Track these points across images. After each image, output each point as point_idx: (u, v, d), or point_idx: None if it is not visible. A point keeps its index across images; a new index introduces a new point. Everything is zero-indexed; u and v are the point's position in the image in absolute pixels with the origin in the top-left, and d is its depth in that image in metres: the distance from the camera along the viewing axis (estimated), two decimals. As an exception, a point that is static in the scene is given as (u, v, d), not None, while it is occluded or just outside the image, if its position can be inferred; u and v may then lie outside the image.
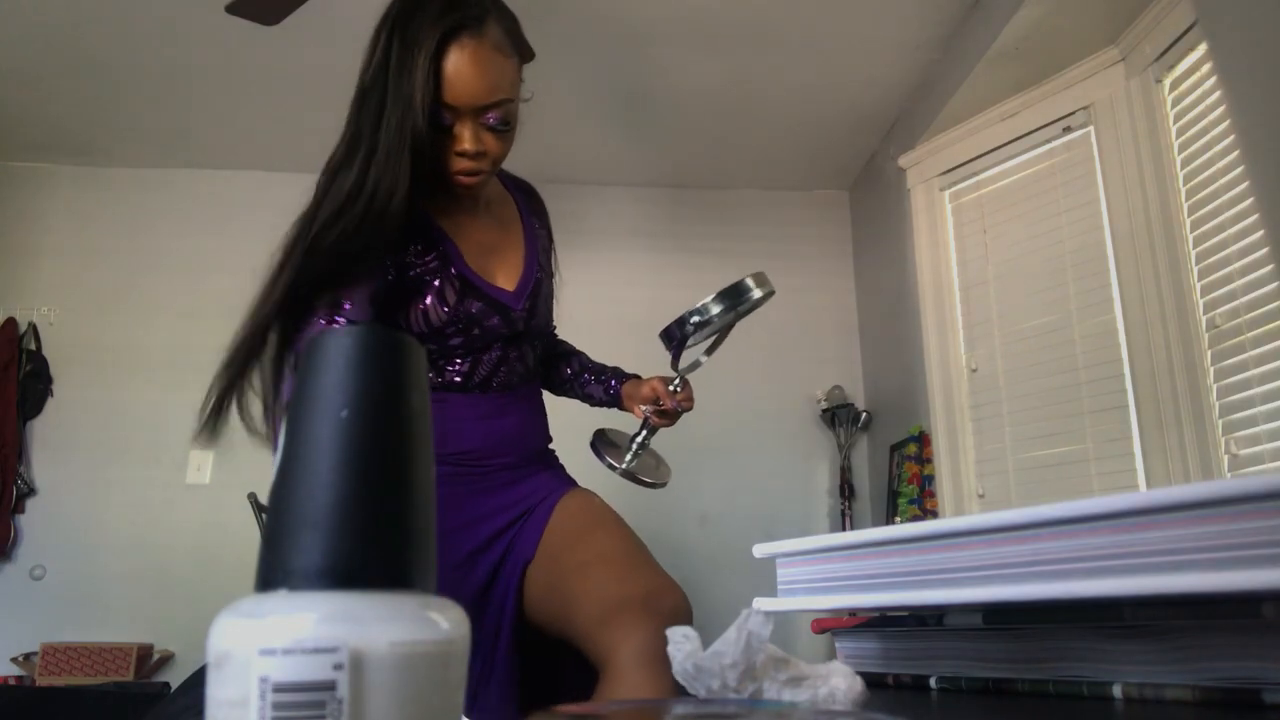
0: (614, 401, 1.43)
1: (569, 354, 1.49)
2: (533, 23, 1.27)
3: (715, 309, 1.21)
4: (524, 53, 1.21)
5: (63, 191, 3.45)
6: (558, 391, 1.49)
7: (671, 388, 1.33)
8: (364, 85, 1.11)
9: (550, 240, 1.40)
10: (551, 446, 1.35)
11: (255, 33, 2.27)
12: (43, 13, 2.61)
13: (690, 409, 1.35)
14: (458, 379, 1.21)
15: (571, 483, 1.30)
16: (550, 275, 1.35)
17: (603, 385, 1.43)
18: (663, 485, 1.37)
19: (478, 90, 1.10)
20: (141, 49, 2.78)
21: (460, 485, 1.18)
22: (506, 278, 1.25)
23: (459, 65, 1.09)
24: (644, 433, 1.34)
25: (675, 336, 1.23)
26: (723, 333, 1.34)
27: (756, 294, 1.23)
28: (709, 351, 1.37)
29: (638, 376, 1.42)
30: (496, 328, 1.21)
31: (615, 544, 1.15)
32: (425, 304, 1.16)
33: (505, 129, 1.15)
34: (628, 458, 1.33)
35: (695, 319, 1.21)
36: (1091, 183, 2.48)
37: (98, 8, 2.59)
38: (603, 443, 1.38)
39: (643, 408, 1.33)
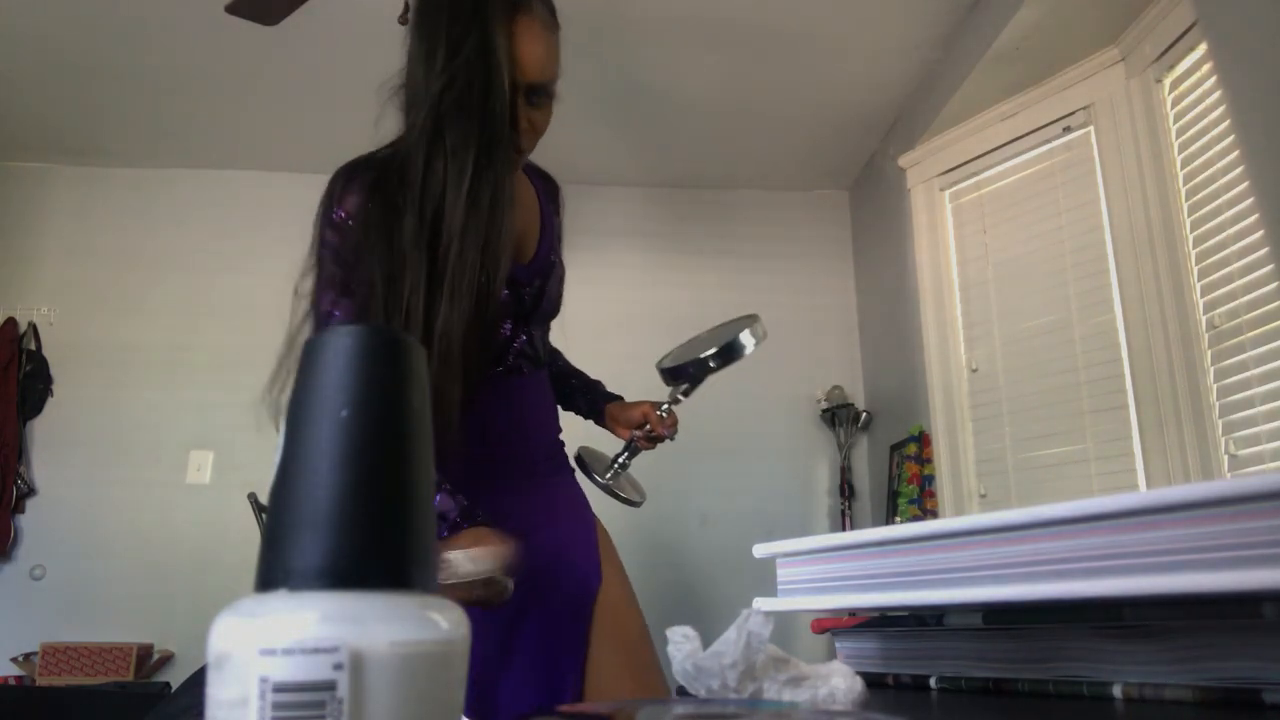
0: (595, 417, 1.44)
1: (552, 350, 1.48)
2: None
3: (715, 364, 1.30)
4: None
5: (63, 191, 3.45)
6: None
7: (660, 413, 1.36)
8: (433, 65, 1.08)
9: (561, 233, 1.39)
10: (561, 438, 1.35)
11: (255, 33, 2.27)
12: (42, 14, 2.61)
13: (674, 438, 1.39)
14: None
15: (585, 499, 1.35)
16: (562, 266, 1.33)
17: (587, 399, 1.45)
18: (639, 504, 1.43)
19: (544, 67, 1.12)
20: (141, 49, 2.79)
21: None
22: (520, 254, 1.23)
23: (528, 43, 1.10)
24: (627, 454, 1.39)
25: (688, 376, 1.31)
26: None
27: (750, 349, 1.30)
28: (687, 393, 1.40)
29: (620, 398, 1.44)
30: (505, 302, 1.18)
31: (639, 637, 1.24)
32: None
33: (549, 102, 1.16)
34: (608, 475, 1.39)
35: (712, 363, 1.29)
36: (1091, 183, 2.47)
37: (97, 8, 2.59)
38: (586, 458, 1.41)
39: (634, 432, 1.37)
